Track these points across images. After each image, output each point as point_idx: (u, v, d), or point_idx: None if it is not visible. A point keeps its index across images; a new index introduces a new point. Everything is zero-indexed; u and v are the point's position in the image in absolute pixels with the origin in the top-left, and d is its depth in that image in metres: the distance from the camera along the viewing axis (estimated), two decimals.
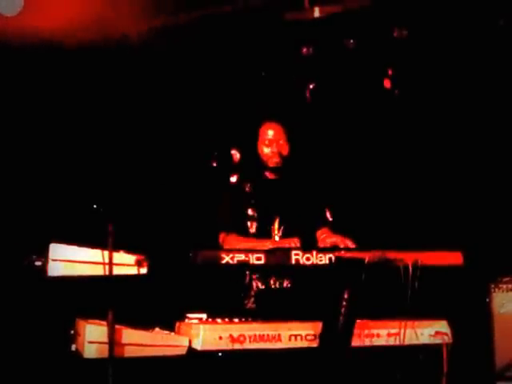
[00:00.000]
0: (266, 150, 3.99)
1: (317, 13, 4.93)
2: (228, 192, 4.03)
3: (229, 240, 3.88)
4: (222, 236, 3.92)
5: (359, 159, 5.30)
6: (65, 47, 4.27)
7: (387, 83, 5.21)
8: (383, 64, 5.20)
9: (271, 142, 3.98)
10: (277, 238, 3.91)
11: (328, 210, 3.99)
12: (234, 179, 4.02)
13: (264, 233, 3.90)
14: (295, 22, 4.97)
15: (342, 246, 3.66)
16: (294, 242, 3.74)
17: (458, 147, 5.22)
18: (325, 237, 3.86)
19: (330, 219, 3.97)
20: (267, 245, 3.68)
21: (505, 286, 4.47)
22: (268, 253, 3.48)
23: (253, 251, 3.46)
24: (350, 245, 3.68)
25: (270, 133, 4.00)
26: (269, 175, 4.06)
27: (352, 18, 4.96)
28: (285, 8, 4.94)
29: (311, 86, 5.24)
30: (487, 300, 4.45)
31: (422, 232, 4.77)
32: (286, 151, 4.00)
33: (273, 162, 3.98)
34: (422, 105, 5.20)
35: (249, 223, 3.90)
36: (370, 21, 5.00)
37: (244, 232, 3.89)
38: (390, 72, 5.18)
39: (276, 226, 3.95)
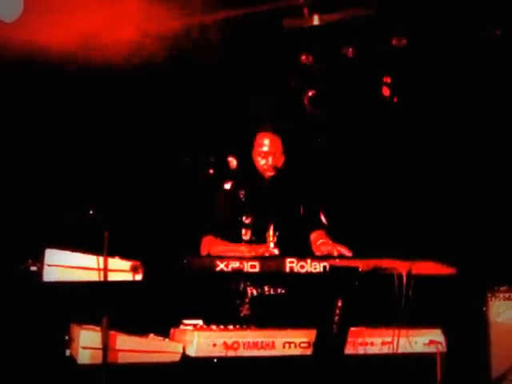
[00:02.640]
0: (262, 162, 3.97)
1: (316, 21, 4.94)
2: (222, 198, 4.03)
3: (206, 243, 3.88)
4: (204, 238, 3.92)
5: (356, 167, 5.30)
6: (63, 52, 4.28)
7: (386, 91, 5.21)
8: (382, 72, 5.21)
9: (267, 155, 3.96)
10: (272, 245, 3.92)
11: (322, 214, 3.98)
12: (228, 186, 4.01)
13: (258, 239, 3.91)
14: (294, 30, 4.98)
15: (336, 255, 3.66)
16: (265, 247, 3.74)
17: (456, 155, 5.21)
18: (320, 244, 3.86)
19: (325, 222, 3.97)
20: (242, 249, 3.67)
21: (502, 295, 4.46)
22: (263, 260, 3.48)
23: (247, 259, 3.47)
24: (346, 253, 3.68)
25: (266, 145, 3.97)
26: (263, 182, 4.05)
27: (351, 26, 4.96)
28: (284, 15, 4.95)
29: (310, 94, 5.25)
30: (484, 309, 4.43)
31: (417, 241, 4.76)
32: (280, 163, 3.99)
33: (267, 174, 3.98)
34: (420, 113, 5.20)
35: (243, 230, 3.90)
36: (369, 29, 5.01)
37: (237, 238, 3.89)
38: (388, 80, 5.18)
39: (271, 232, 3.95)
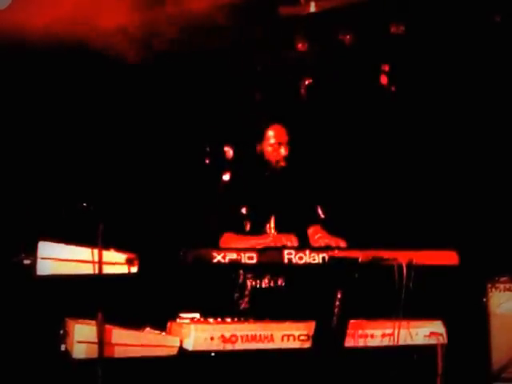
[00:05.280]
0: (274, 154, 3.97)
1: (313, 7, 4.90)
2: (222, 191, 3.99)
3: (226, 239, 3.84)
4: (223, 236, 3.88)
5: (354, 157, 5.25)
6: (55, 43, 4.22)
7: (384, 79, 5.18)
8: (380, 60, 5.16)
9: (280, 145, 3.97)
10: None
11: (320, 208, 3.96)
12: (226, 177, 3.98)
13: (258, 231, 3.87)
14: (291, 17, 4.93)
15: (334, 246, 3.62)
16: (292, 238, 3.70)
17: (454, 145, 5.18)
18: (318, 237, 3.82)
19: (322, 216, 3.94)
20: (268, 241, 3.64)
21: (502, 286, 4.43)
22: (260, 252, 3.44)
23: (245, 250, 3.43)
24: (343, 246, 3.64)
25: (279, 136, 3.97)
26: (265, 174, 4.02)
27: (348, 13, 4.91)
28: (280, 2, 4.90)
29: (307, 82, 5.21)
30: (484, 300, 4.41)
31: (417, 231, 4.73)
32: (288, 152, 4.00)
33: (279, 164, 3.97)
34: (418, 101, 5.16)
35: (243, 222, 3.87)
36: (367, 16, 4.96)
37: (240, 230, 3.85)
38: (386, 68, 5.14)
39: (272, 224, 3.92)
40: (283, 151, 3.95)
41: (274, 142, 3.96)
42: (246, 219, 3.88)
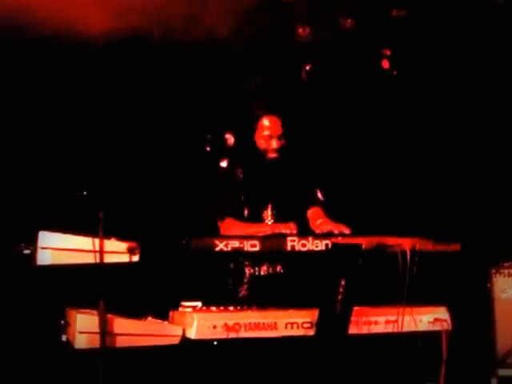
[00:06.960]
0: (265, 145, 3.93)
1: None
2: (221, 178, 3.97)
3: (225, 225, 3.82)
4: (220, 223, 3.86)
5: (356, 143, 5.22)
6: (56, 31, 4.18)
7: (385, 64, 5.13)
8: (381, 44, 5.12)
9: (271, 138, 3.92)
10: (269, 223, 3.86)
11: (319, 191, 3.93)
12: (224, 164, 3.95)
13: (256, 218, 3.85)
14: (291, 2, 4.88)
15: (337, 233, 3.59)
16: (291, 226, 3.67)
17: (456, 131, 5.15)
18: (320, 223, 3.79)
19: (322, 199, 3.92)
20: (266, 229, 3.62)
21: (506, 271, 4.41)
22: (263, 239, 3.41)
23: (248, 238, 3.40)
24: (345, 231, 3.62)
25: (271, 128, 3.92)
26: (262, 161, 3.99)
27: None
28: None
29: (307, 67, 5.16)
30: (488, 285, 4.40)
31: (421, 218, 4.70)
32: (282, 144, 3.95)
33: (271, 157, 3.93)
34: (420, 86, 5.12)
35: (242, 208, 3.84)
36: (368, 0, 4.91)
37: (238, 217, 3.82)
38: (388, 52, 5.10)
39: (269, 212, 3.89)
40: (274, 144, 3.90)
41: (265, 135, 3.92)
42: (244, 206, 3.86)
